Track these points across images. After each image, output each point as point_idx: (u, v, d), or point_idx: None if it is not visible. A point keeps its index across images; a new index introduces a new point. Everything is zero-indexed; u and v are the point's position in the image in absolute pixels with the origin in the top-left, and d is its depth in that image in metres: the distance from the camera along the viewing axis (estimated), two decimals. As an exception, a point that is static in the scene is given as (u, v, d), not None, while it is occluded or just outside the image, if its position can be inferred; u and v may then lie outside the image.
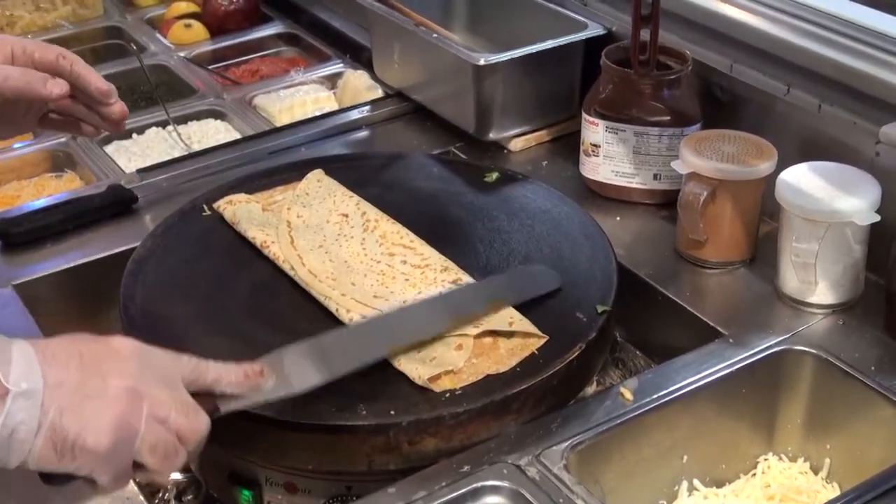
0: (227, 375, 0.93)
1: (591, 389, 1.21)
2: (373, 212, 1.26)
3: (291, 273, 1.18)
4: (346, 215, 1.26)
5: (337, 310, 1.12)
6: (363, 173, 1.38)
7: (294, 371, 0.97)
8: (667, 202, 1.40)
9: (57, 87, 1.15)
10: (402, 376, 1.04)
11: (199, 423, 0.89)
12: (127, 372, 0.86)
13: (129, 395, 0.85)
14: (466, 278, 1.16)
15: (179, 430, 0.88)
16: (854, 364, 1.12)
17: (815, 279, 1.19)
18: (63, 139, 1.66)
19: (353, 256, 1.20)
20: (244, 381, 0.94)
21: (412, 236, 1.22)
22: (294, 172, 1.37)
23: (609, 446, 1.06)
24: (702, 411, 1.12)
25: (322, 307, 1.13)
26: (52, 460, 0.84)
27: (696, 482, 1.14)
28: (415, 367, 1.04)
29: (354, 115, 1.69)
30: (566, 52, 1.54)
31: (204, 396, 0.92)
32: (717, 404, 1.13)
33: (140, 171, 1.54)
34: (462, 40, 1.66)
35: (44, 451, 0.82)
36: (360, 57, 1.89)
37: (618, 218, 1.40)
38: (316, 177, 1.34)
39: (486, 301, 1.11)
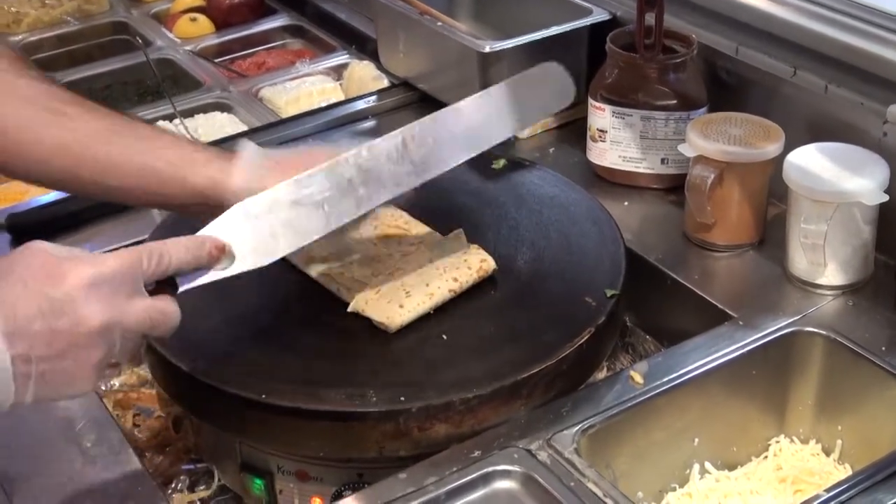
0: (186, 256, 0.91)
1: (601, 375, 1.21)
2: None
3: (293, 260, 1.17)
4: None
5: (338, 290, 1.12)
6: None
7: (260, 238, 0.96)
8: (674, 186, 1.40)
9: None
10: (412, 362, 1.04)
11: (168, 324, 0.90)
12: (92, 311, 0.83)
13: (101, 333, 0.84)
14: None
15: (151, 335, 0.90)
16: (864, 345, 1.12)
17: (824, 260, 1.18)
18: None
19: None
20: (206, 260, 0.93)
21: (407, 217, 1.22)
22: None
23: (620, 430, 1.06)
24: (712, 394, 1.12)
25: (329, 292, 1.13)
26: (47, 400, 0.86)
27: (707, 465, 1.14)
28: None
29: (361, 105, 1.69)
30: (571, 38, 1.54)
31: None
32: (728, 387, 1.13)
33: (148, 164, 1.54)
34: (467, 28, 1.66)
35: (36, 401, 0.83)
36: (365, 47, 1.89)
37: (625, 203, 1.40)
38: None
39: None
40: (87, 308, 0.83)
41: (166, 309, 0.90)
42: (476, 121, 1.11)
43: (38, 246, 0.86)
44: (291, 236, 0.99)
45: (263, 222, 0.98)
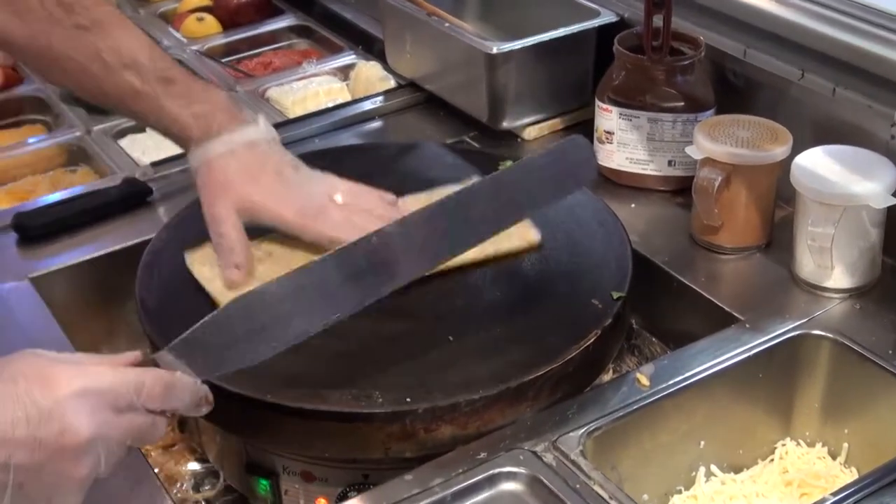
0: (186, 399, 0.87)
1: (606, 377, 1.21)
2: None
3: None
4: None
5: None
6: (376, 163, 1.38)
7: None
8: (681, 188, 1.39)
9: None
10: (418, 363, 1.04)
11: (155, 436, 0.86)
12: (80, 423, 0.79)
13: (86, 448, 0.80)
14: None
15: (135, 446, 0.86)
16: (871, 348, 1.12)
17: (832, 263, 1.18)
18: (78, 133, 1.67)
19: None
20: (192, 408, 0.89)
21: None
22: (308, 164, 1.37)
23: (626, 432, 1.06)
24: (718, 397, 1.12)
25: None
26: None
27: (713, 468, 1.14)
28: None
29: (367, 105, 1.69)
30: (579, 39, 1.54)
31: None
32: (734, 390, 1.13)
33: (154, 163, 1.54)
34: (474, 29, 1.66)
35: None
36: (372, 48, 1.89)
37: (632, 205, 1.40)
38: None
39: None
40: (76, 419, 0.79)
41: (156, 422, 0.85)
42: (487, 206, 1.04)
43: (38, 351, 0.83)
44: (280, 336, 0.93)
45: (253, 321, 0.92)
